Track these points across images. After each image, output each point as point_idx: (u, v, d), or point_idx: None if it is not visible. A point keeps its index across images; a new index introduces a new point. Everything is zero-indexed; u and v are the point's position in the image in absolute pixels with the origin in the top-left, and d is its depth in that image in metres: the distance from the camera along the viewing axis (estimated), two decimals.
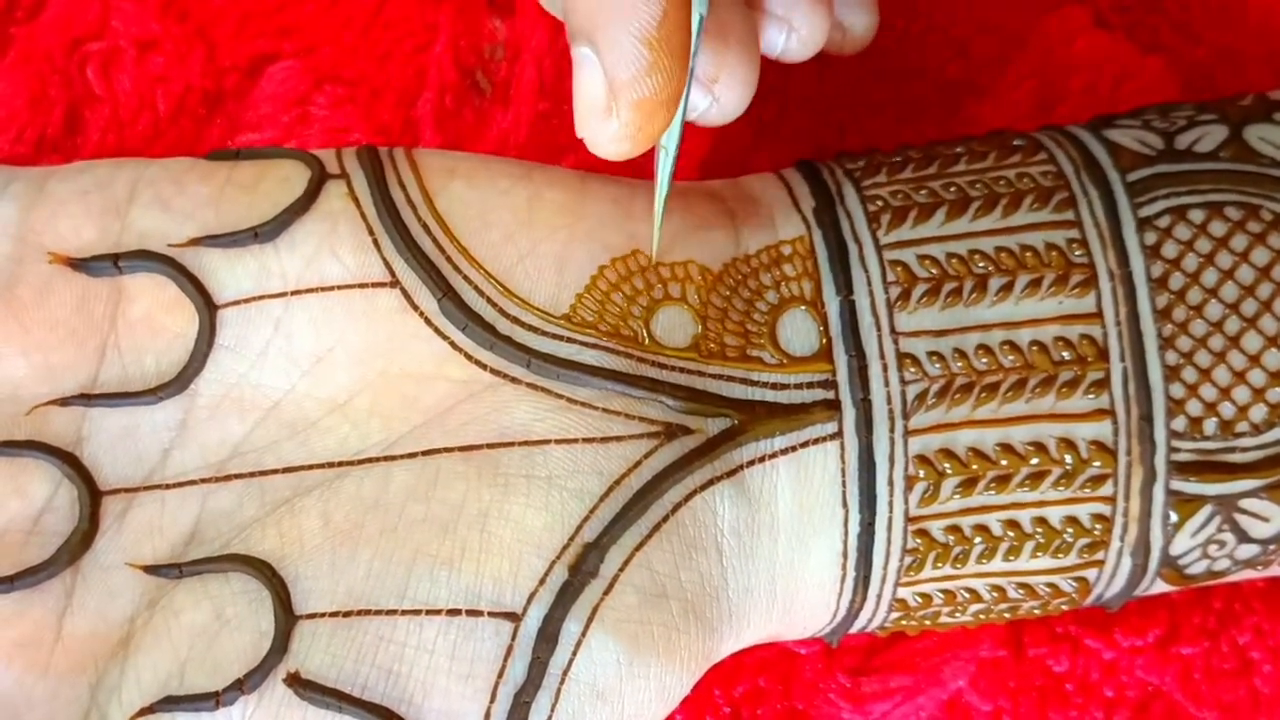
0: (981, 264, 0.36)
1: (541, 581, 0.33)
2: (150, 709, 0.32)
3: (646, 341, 0.35)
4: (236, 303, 0.35)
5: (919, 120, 0.47)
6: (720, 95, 0.35)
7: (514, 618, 0.33)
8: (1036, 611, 0.38)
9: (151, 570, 0.34)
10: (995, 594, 0.37)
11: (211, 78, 0.47)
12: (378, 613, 0.33)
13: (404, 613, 0.33)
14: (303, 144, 0.47)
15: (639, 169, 0.47)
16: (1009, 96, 0.47)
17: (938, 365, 0.35)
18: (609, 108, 0.32)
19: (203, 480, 0.34)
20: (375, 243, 0.35)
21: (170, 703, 0.32)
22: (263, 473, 0.35)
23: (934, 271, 0.36)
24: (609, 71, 0.32)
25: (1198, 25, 0.48)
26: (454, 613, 0.33)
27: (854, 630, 0.39)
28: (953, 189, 0.37)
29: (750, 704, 0.43)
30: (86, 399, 0.34)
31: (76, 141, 0.47)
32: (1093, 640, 0.43)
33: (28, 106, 0.47)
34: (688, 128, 0.35)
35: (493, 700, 0.33)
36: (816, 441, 0.35)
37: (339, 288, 0.35)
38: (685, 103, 0.34)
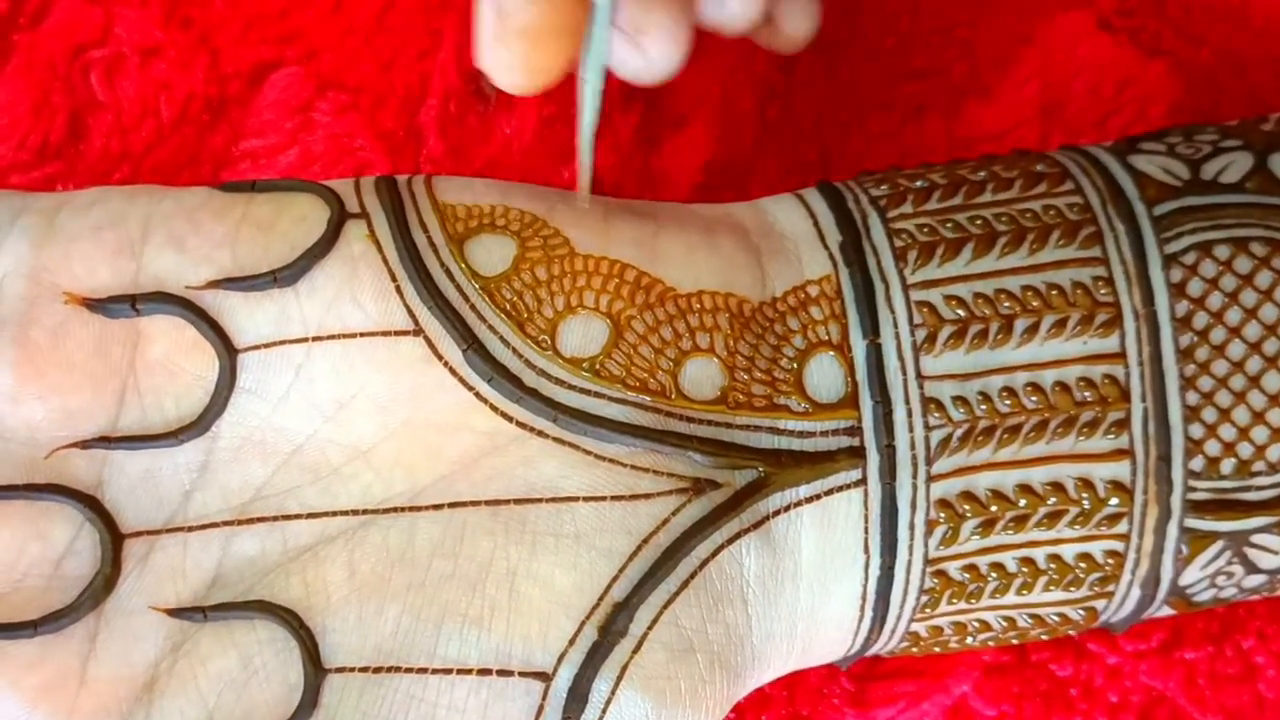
0: (1008, 304, 0.35)
1: (571, 642, 0.33)
2: None
3: (674, 396, 0.35)
4: (256, 347, 0.34)
5: (923, 121, 0.47)
6: (649, 49, 0.36)
7: (544, 677, 0.33)
8: (1044, 637, 0.39)
9: (175, 613, 0.33)
10: (1005, 623, 0.37)
11: (214, 84, 0.47)
12: (408, 670, 0.33)
13: (434, 671, 0.33)
14: (306, 150, 0.46)
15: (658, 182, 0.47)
16: (1013, 98, 0.47)
17: (961, 410, 0.35)
18: (500, 35, 0.34)
19: (225, 523, 0.34)
20: (398, 289, 0.34)
21: None
22: (285, 517, 0.34)
23: (960, 313, 0.35)
24: (497, 0, 0.34)
25: (1201, 29, 0.47)
26: (485, 672, 0.33)
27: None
28: (979, 222, 0.36)
29: (755, 710, 0.43)
30: (107, 442, 0.34)
31: (79, 148, 0.46)
32: (1096, 645, 0.43)
33: (31, 113, 0.46)
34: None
35: None
36: (841, 489, 0.35)
37: (361, 335, 0.34)
38: (603, 35, 0.35)
